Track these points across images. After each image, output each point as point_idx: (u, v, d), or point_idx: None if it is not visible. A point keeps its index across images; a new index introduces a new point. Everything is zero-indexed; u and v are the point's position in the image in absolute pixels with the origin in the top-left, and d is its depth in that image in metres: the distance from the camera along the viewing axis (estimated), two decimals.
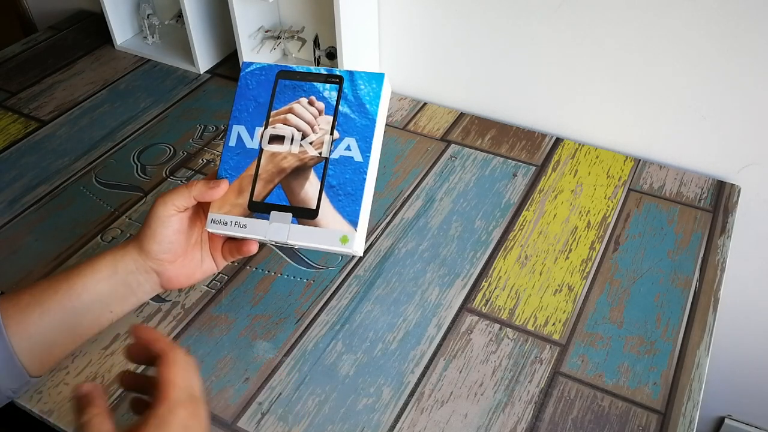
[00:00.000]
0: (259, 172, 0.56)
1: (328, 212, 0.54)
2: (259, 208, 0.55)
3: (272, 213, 0.55)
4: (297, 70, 0.58)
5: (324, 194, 0.55)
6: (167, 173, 0.82)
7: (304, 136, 0.56)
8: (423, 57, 0.92)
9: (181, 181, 0.81)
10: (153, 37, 1.06)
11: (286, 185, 0.56)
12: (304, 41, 0.96)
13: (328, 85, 0.57)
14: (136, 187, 0.80)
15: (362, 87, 0.56)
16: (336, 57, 0.86)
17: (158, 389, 0.45)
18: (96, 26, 1.13)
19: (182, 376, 0.46)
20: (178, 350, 0.48)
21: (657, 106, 0.80)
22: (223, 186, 0.56)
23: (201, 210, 0.59)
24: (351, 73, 0.57)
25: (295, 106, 0.57)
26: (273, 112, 0.57)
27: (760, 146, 0.77)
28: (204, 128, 0.89)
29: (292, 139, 0.56)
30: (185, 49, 1.03)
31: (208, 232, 0.58)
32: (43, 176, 0.82)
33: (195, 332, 0.64)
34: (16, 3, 1.29)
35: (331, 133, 0.56)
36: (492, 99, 0.91)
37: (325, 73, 0.57)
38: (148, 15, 1.04)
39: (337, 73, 0.57)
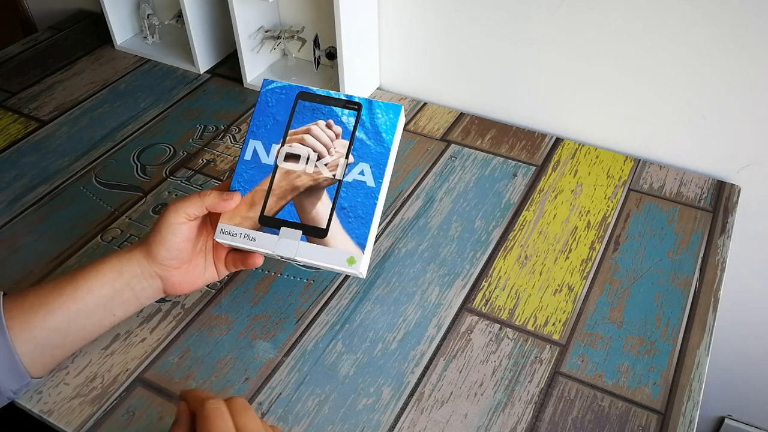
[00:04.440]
0: (273, 187, 0.57)
1: (337, 233, 0.55)
2: (269, 223, 0.56)
3: (282, 228, 0.56)
4: (317, 92, 0.59)
5: (335, 215, 0.56)
6: (167, 173, 0.82)
7: (319, 157, 0.57)
8: (423, 57, 0.92)
9: (181, 182, 0.81)
10: (153, 37, 1.06)
11: (298, 203, 0.56)
12: (304, 41, 0.96)
13: (346, 111, 0.58)
14: (136, 187, 0.80)
15: (380, 116, 0.58)
16: (336, 57, 0.86)
17: None
18: (96, 26, 1.13)
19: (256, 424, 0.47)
20: (236, 399, 0.48)
21: (657, 106, 0.80)
22: (236, 198, 0.56)
23: (208, 218, 0.59)
24: (370, 101, 0.58)
25: (313, 127, 0.58)
26: (291, 131, 0.58)
27: (760, 146, 0.77)
28: (204, 128, 0.89)
29: (308, 159, 0.57)
30: (185, 49, 1.03)
31: (216, 241, 0.58)
32: (43, 176, 0.82)
33: (195, 332, 0.64)
34: (16, 3, 1.29)
35: (347, 157, 0.57)
36: (492, 99, 0.91)
37: (345, 98, 0.58)
38: (148, 15, 1.04)
39: (357, 100, 0.58)
